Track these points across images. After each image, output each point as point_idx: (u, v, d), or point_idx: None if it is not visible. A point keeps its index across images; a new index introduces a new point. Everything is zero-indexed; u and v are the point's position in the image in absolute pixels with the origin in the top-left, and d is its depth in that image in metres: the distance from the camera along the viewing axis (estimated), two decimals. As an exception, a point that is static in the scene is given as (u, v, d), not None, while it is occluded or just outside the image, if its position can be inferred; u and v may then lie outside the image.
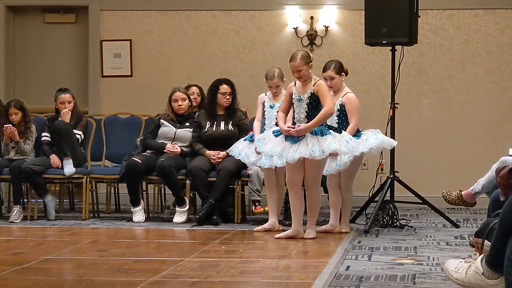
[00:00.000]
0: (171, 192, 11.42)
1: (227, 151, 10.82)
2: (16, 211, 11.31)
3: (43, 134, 11.73)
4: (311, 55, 9.37)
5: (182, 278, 7.38)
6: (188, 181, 11.26)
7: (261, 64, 13.35)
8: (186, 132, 11.44)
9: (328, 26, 13.42)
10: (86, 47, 13.91)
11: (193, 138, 11.37)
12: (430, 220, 11.38)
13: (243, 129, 11.31)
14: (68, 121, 11.58)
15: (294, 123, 9.25)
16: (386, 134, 10.69)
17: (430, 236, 10.03)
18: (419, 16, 10.79)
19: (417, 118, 13.05)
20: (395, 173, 10.86)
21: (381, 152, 10.72)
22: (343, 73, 10.22)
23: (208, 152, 11.16)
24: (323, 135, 9.06)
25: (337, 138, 9.16)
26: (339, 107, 9.95)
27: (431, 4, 12.71)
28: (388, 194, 10.80)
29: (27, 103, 11.89)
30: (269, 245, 9.64)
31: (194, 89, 12.00)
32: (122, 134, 12.36)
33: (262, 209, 10.93)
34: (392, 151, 10.80)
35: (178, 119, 11.52)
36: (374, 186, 10.97)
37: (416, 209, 11.91)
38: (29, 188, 11.60)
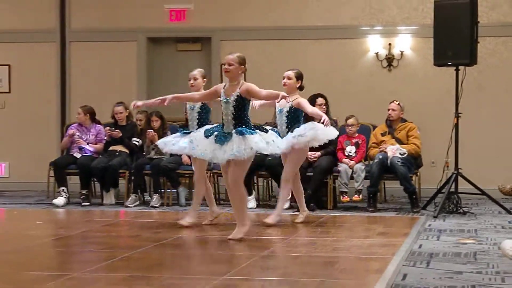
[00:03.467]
0: (277, 184, 11.45)
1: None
2: (155, 198, 11.44)
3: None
4: (246, 62, 8.17)
5: (286, 253, 7.37)
6: (290, 176, 11.23)
7: (349, 81, 13.33)
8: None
9: (403, 51, 13.30)
10: (209, 70, 13.96)
11: (295, 141, 11.31)
12: (488, 208, 11.17)
13: (334, 134, 11.24)
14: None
15: (223, 124, 7.99)
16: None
17: (488, 221, 9.88)
18: (479, 42, 10.65)
19: (477, 125, 12.80)
20: (459, 169, 10.73)
21: (447, 152, 10.72)
22: (300, 80, 9.35)
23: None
24: (248, 134, 7.75)
25: (263, 137, 7.86)
26: (288, 109, 9.22)
27: (489, 32, 12.46)
28: (453, 186, 10.67)
29: (164, 114, 11.96)
30: (356, 227, 9.58)
31: (292, 102, 11.97)
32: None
33: (348, 198, 10.89)
34: (456, 152, 10.74)
35: (283, 126, 11.50)
36: (441, 180, 10.90)
37: (476, 199, 11.68)
38: (166, 180, 11.71)
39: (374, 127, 11.74)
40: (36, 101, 14.22)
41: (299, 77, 9.27)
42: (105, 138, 12.04)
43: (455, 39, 10.57)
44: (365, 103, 12.85)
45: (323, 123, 8.82)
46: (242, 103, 7.84)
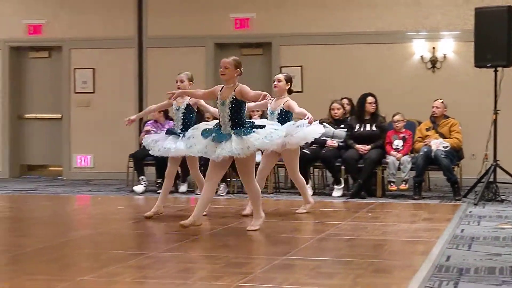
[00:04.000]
0: (331, 175, 11.42)
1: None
2: (222, 187, 11.46)
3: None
4: (241, 65, 7.54)
5: (340, 236, 7.35)
6: (343, 167, 11.19)
7: (396, 81, 13.22)
8: (341, 132, 11.37)
9: (446, 54, 13.14)
10: (270, 72, 13.97)
11: (347, 136, 11.29)
12: (524, 196, 11.05)
13: (383, 130, 11.21)
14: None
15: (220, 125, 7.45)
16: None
17: (524, 208, 9.75)
18: (515, 45, 10.54)
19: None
20: (497, 161, 10.60)
21: (486, 145, 10.65)
22: (289, 83, 8.90)
23: (357, 146, 11.08)
24: (247, 135, 7.19)
25: (260, 133, 7.26)
26: (279, 111, 8.71)
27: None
28: (492, 177, 10.54)
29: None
30: (403, 213, 9.51)
31: (345, 101, 11.93)
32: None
33: (396, 187, 10.84)
34: (495, 145, 10.65)
35: (336, 122, 11.46)
36: (481, 171, 10.74)
37: (513, 188, 11.56)
38: (231, 171, 11.69)
39: (419, 123, 11.64)
40: (117, 100, 14.36)
41: (289, 80, 8.92)
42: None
43: (493, 43, 10.46)
44: (411, 101, 12.72)
45: (308, 121, 8.50)
46: (237, 105, 7.28)
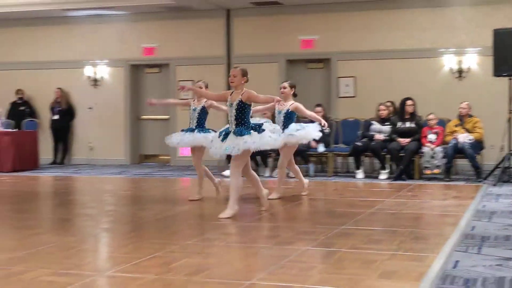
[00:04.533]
0: (378, 162, 11.32)
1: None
2: (276, 172, 11.41)
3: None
4: (248, 74, 6.93)
5: (386, 211, 7.27)
6: (388, 156, 11.08)
7: (430, 88, 13.00)
8: (386, 128, 11.25)
9: (470, 66, 12.88)
10: (329, 81, 13.92)
11: (391, 131, 11.17)
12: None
13: (420, 126, 11.10)
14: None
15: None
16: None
17: (534, 188, 9.50)
18: (528, 58, 10.31)
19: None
20: (511, 150, 10.41)
21: (502, 138, 10.46)
22: (293, 89, 8.36)
23: (399, 139, 10.96)
24: (241, 135, 6.58)
25: (253, 136, 6.61)
26: (285, 112, 8.17)
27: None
28: (507, 163, 10.37)
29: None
30: (436, 192, 9.36)
31: (388, 103, 11.77)
32: (350, 129, 12.34)
33: (430, 172, 10.68)
34: (509, 138, 10.49)
35: (382, 120, 11.35)
36: (498, 158, 10.63)
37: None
38: (300, 159, 11.71)
39: (449, 120, 11.45)
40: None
41: (293, 86, 8.36)
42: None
43: (509, 57, 10.29)
44: (442, 103, 12.52)
45: (322, 126, 8.20)
46: (243, 107, 6.75)
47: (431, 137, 10.95)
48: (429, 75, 13.18)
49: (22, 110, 15.29)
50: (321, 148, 11.62)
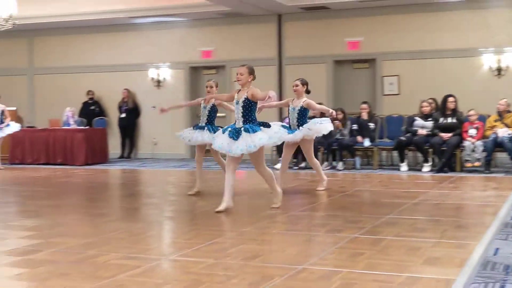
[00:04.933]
0: (421, 155, 11.15)
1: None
2: (340, 164, 11.38)
3: (353, 126, 11.73)
4: (254, 71, 6.67)
5: (429, 201, 7.18)
6: (430, 150, 10.91)
7: (470, 86, 12.71)
8: (429, 123, 11.08)
9: (508, 64, 12.57)
10: (374, 80, 13.77)
11: (433, 126, 11.00)
12: None
13: (461, 121, 10.91)
14: (366, 118, 11.62)
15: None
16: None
17: None
18: None
19: None
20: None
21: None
22: (306, 86, 8.05)
23: (441, 134, 10.80)
24: (254, 132, 6.31)
25: (266, 132, 6.36)
26: (299, 108, 7.91)
27: None
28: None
29: (345, 110, 11.91)
30: (476, 184, 9.20)
31: (431, 100, 11.57)
32: (394, 124, 12.20)
33: (471, 164, 10.47)
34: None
35: (424, 116, 11.17)
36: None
37: None
38: (347, 153, 11.62)
39: (489, 116, 11.20)
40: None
41: (305, 83, 8.05)
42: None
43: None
44: (482, 100, 12.22)
45: (331, 115, 8.06)
46: (249, 104, 6.43)
47: (472, 131, 10.74)
48: (469, 73, 12.90)
49: (92, 109, 15.62)
50: (366, 143, 11.53)
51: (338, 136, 11.70)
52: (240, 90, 6.58)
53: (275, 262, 4.23)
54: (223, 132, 6.53)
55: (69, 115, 14.00)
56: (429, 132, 10.99)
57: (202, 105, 7.98)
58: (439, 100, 11.46)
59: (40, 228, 5.64)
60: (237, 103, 6.49)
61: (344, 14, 13.87)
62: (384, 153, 12.40)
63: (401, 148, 11.17)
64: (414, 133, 11.08)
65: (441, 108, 11.21)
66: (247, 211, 6.84)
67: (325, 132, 8.19)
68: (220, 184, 9.75)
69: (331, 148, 11.66)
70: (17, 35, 15.93)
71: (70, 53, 16.21)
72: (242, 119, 6.44)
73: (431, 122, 11.09)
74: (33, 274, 4.01)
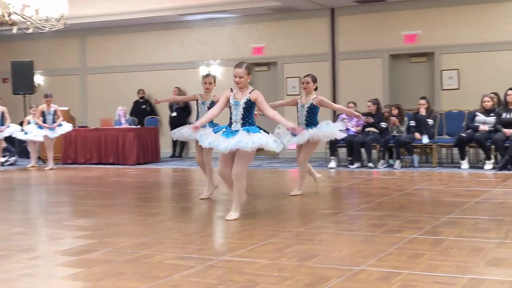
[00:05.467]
0: (483, 152, 10.92)
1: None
2: (398, 162, 11.24)
3: (410, 122, 11.57)
4: (252, 69, 6.25)
5: (492, 200, 7.04)
6: (492, 146, 10.67)
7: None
8: (491, 119, 10.84)
9: None
10: (432, 74, 13.56)
11: (495, 122, 10.75)
12: None
13: (525, 117, 10.61)
14: (424, 114, 11.47)
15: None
16: None
17: None
18: None
19: None
20: None
21: None
22: (315, 83, 7.69)
23: (504, 129, 10.55)
24: (254, 132, 6.03)
25: (264, 135, 6.04)
26: (309, 105, 7.57)
27: None
28: None
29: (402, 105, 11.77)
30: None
31: (492, 95, 11.31)
32: (453, 120, 12.00)
33: (536, 162, 10.22)
34: None
35: (486, 112, 10.93)
36: None
37: None
38: (404, 150, 11.46)
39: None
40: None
41: (315, 80, 7.71)
42: (362, 123, 11.97)
43: None
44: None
45: (358, 118, 7.64)
46: (250, 106, 6.11)
47: (537, 127, 10.46)
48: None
49: (143, 108, 15.88)
50: (425, 140, 11.35)
51: (395, 133, 11.56)
52: (234, 90, 6.17)
53: (332, 263, 4.21)
54: (215, 132, 6.20)
55: (121, 114, 14.27)
56: (491, 128, 10.75)
57: (200, 101, 7.79)
58: (502, 95, 11.19)
59: (94, 228, 5.77)
60: (237, 104, 6.11)
61: (400, 7, 13.70)
62: (443, 150, 12.19)
63: (461, 145, 10.95)
64: (476, 129, 10.86)
65: (504, 102, 10.94)
66: (301, 211, 6.83)
67: (333, 138, 7.91)
68: (271, 183, 9.81)
69: (388, 146, 11.53)
70: (69, 35, 16.33)
71: (122, 52, 16.52)
72: (242, 121, 6.10)
73: (493, 117, 10.84)
74: (88, 274, 4.11)
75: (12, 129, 12.99)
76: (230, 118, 6.18)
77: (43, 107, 12.92)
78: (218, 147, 6.07)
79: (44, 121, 12.85)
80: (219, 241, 5.43)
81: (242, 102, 6.09)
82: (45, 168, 12.77)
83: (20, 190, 9.60)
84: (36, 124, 12.90)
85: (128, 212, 6.95)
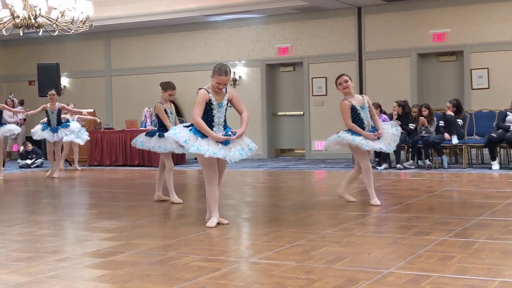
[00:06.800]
0: (514, 153, 10.82)
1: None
2: (427, 163, 11.15)
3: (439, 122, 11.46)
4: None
5: (524, 202, 6.93)
6: (524, 146, 10.57)
7: None
8: (521, 119, 10.73)
9: None
10: (462, 73, 13.44)
11: (527, 122, 10.64)
12: None
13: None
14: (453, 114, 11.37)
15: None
16: None
17: None
18: None
19: None
20: None
21: None
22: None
23: (536, 129, 10.40)
24: (242, 137, 5.90)
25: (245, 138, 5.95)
26: (368, 104, 7.02)
27: None
28: None
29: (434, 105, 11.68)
30: None
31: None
32: (483, 120, 11.87)
33: None
34: None
35: (517, 111, 10.85)
36: None
37: None
38: (433, 151, 11.35)
39: None
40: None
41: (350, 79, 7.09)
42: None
43: None
44: None
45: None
46: (228, 106, 5.96)
47: None
48: None
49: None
50: (454, 140, 11.24)
51: (423, 133, 11.47)
52: (210, 91, 5.89)
53: (360, 266, 4.19)
54: (200, 137, 5.73)
55: (147, 115, 14.37)
56: (518, 128, 10.63)
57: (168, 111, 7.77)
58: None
59: (120, 230, 5.82)
60: (220, 105, 5.83)
61: (428, 5, 13.61)
62: (473, 151, 12.06)
63: (492, 145, 10.83)
64: (507, 129, 10.73)
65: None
66: (329, 212, 6.81)
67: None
68: (304, 183, 9.80)
69: (417, 146, 11.45)
70: (94, 37, 16.50)
71: (147, 53, 16.65)
72: (224, 123, 5.88)
73: (523, 117, 10.72)
74: (115, 275, 4.15)
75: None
76: (212, 121, 5.80)
77: (46, 105, 11.68)
78: (231, 160, 5.74)
79: (49, 121, 11.70)
80: (245, 243, 5.44)
81: (224, 103, 5.88)
82: (53, 176, 11.65)
83: (46, 192, 9.71)
84: (42, 123, 11.88)
85: (154, 214, 6.99)
